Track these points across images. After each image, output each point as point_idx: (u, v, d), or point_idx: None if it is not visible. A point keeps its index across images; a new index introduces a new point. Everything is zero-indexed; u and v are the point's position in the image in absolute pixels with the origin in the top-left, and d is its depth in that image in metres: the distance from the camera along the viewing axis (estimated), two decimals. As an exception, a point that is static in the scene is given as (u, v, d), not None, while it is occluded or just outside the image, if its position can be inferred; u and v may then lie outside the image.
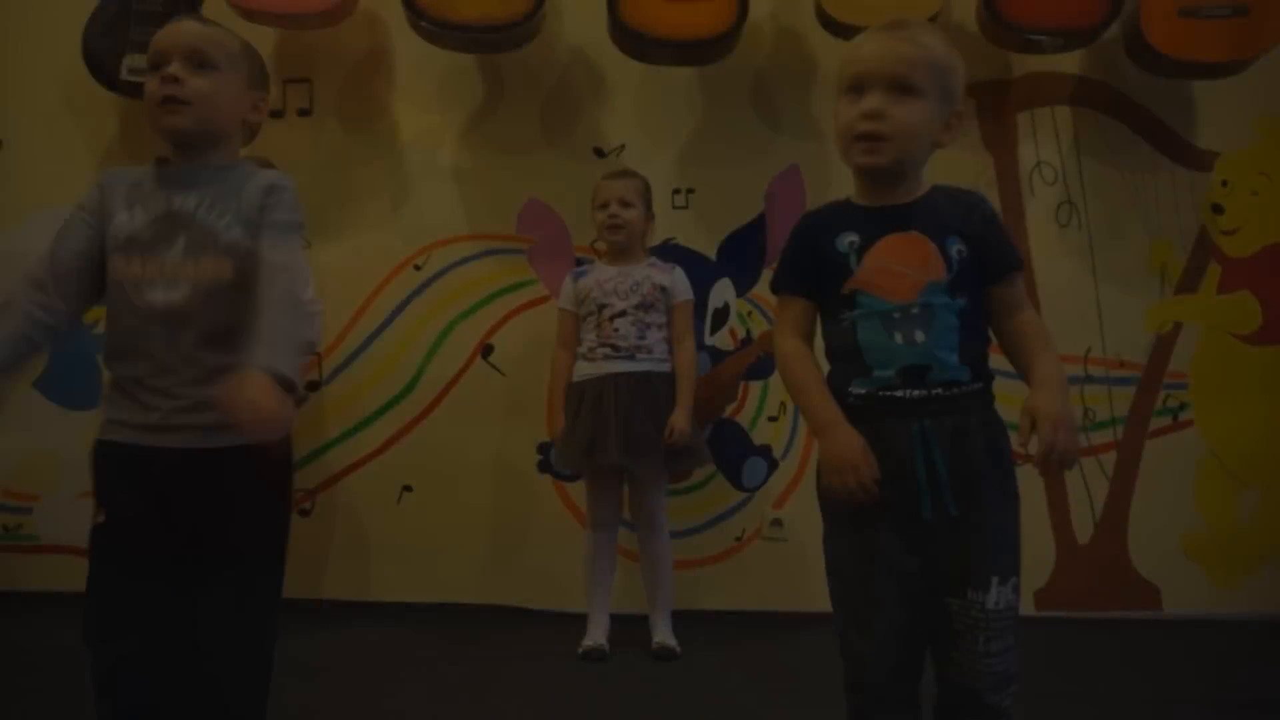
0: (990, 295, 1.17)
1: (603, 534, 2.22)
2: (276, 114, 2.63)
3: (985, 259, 1.16)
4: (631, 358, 2.18)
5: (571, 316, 2.27)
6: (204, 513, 1.20)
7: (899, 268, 1.14)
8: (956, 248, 1.15)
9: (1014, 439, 1.12)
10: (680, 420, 2.13)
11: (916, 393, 1.13)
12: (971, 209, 1.18)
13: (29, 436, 2.63)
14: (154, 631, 1.19)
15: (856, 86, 1.15)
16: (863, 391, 1.15)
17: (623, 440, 2.11)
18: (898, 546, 1.13)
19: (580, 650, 2.14)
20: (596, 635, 2.17)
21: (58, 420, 2.61)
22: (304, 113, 2.66)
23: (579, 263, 2.46)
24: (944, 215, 1.17)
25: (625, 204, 2.23)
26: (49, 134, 2.68)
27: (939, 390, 1.12)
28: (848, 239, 1.17)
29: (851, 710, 1.17)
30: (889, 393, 1.13)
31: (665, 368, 2.21)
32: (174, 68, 1.22)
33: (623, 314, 2.19)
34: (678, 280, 2.25)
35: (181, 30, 1.26)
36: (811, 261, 1.19)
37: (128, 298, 1.22)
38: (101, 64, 2.43)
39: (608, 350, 2.18)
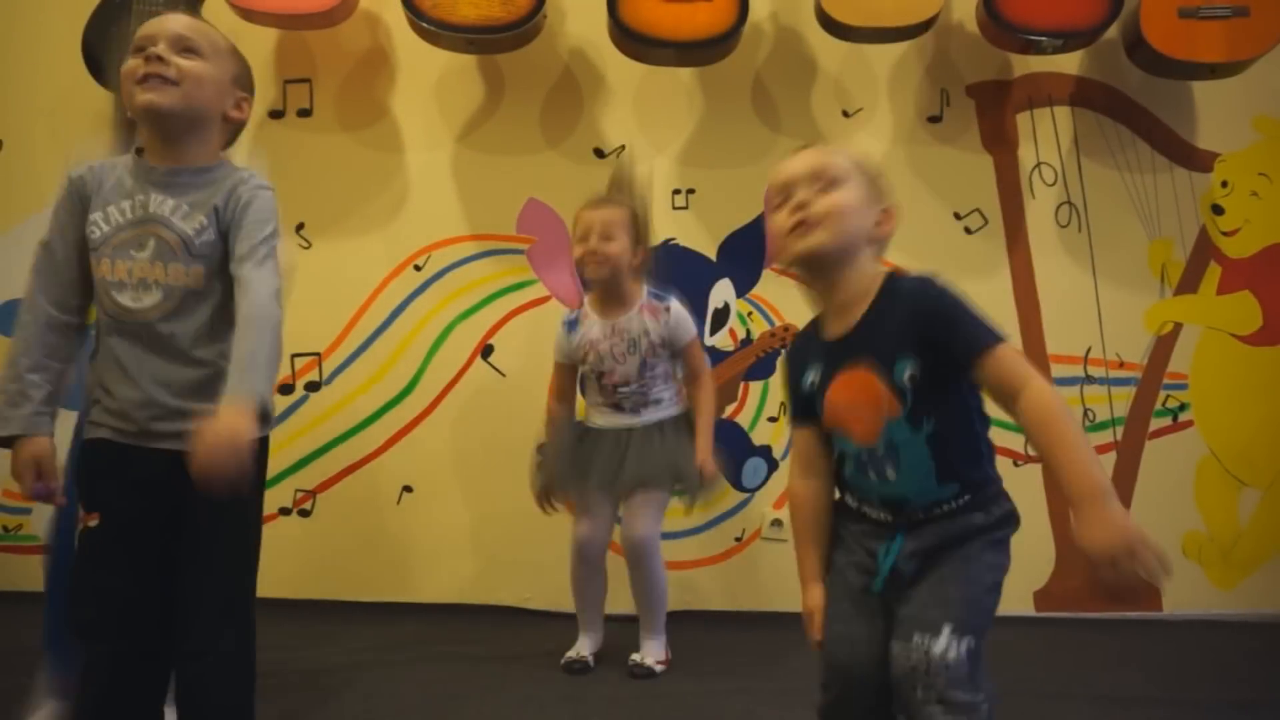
0: (979, 380, 1.09)
1: (588, 563, 2.08)
2: (276, 114, 2.64)
3: (950, 356, 1.08)
4: (638, 413, 2.09)
5: (567, 369, 2.15)
6: (186, 507, 1.20)
7: (856, 409, 1.14)
8: (908, 374, 1.09)
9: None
10: (707, 464, 2.04)
11: (900, 519, 1.15)
12: (918, 313, 1.09)
13: (29, 436, 2.62)
14: (144, 625, 1.21)
15: (784, 194, 1.15)
16: (854, 506, 1.21)
17: (631, 475, 2.04)
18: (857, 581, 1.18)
19: (563, 661, 2.07)
20: (581, 647, 2.10)
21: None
22: (304, 113, 2.66)
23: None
24: (890, 333, 1.11)
25: (606, 237, 2.03)
26: (49, 134, 2.67)
27: (920, 515, 1.14)
28: (810, 378, 1.19)
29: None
30: (875, 514, 1.17)
31: (674, 410, 2.12)
32: (160, 48, 1.21)
33: (626, 383, 2.08)
34: (677, 324, 2.08)
35: (169, 19, 1.24)
36: (797, 395, 1.22)
37: (101, 298, 1.23)
38: (101, 64, 2.43)
39: (614, 407, 2.11)
